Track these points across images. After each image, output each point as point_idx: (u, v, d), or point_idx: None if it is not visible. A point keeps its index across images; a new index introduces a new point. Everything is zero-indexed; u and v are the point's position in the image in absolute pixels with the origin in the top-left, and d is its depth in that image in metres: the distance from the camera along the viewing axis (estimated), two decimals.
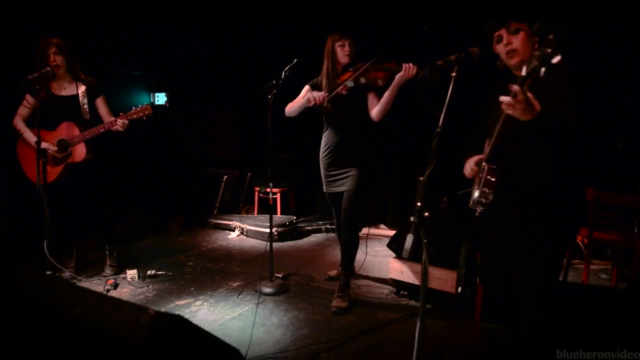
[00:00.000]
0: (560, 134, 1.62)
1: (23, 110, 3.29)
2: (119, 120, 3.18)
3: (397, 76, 2.80)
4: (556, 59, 1.34)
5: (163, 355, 1.12)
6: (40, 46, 3.15)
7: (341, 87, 2.93)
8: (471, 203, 1.88)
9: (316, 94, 2.88)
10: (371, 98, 3.00)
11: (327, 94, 2.92)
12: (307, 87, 3.13)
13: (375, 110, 2.96)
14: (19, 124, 3.28)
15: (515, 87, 1.47)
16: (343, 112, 3.01)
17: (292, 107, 3.08)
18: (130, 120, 3.22)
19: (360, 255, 3.36)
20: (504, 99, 1.51)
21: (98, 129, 3.20)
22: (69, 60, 3.24)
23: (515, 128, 1.74)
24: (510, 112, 1.53)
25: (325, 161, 3.13)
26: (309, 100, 2.88)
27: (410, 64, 2.74)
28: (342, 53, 2.97)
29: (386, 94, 2.89)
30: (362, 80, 2.91)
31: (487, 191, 1.78)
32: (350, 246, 3.07)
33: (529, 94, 1.48)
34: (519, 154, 1.80)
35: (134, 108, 3.20)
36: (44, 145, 3.10)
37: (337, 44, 2.97)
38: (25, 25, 3.74)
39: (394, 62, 2.88)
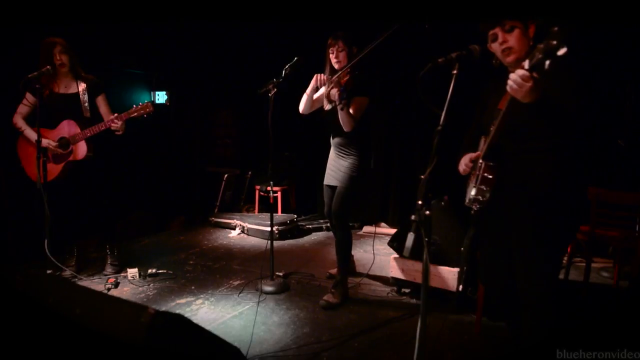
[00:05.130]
0: (559, 124, 1.61)
1: (23, 109, 3.29)
2: (117, 120, 3.18)
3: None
4: (562, 51, 1.32)
5: (163, 354, 1.12)
6: (44, 45, 3.15)
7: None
8: (467, 201, 1.87)
9: (320, 75, 2.89)
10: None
11: (329, 76, 2.89)
12: None
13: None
14: (19, 121, 3.28)
15: (524, 72, 1.45)
16: (334, 115, 2.94)
17: (302, 101, 3.08)
18: (131, 119, 3.22)
19: (365, 255, 3.36)
20: (512, 76, 1.49)
21: (99, 127, 3.20)
22: (73, 59, 3.25)
23: (514, 125, 1.73)
24: (514, 93, 1.53)
25: (330, 155, 3.19)
26: (314, 81, 2.91)
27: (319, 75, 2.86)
28: (333, 59, 2.95)
29: None
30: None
31: (485, 189, 1.77)
32: (341, 244, 3.07)
33: (536, 75, 1.47)
34: (516, 151, 1.79)
35: (134, 106, 3.21)
36: (44, 142, 3.09)
37: (329, 50, 2.96)
38: (25, 24, 3.74)
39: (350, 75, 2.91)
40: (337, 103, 2.73)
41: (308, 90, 3.06)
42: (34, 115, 3.15)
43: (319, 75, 2.92)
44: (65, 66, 3.21)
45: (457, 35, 2.74)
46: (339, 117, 2.82)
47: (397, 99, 4.68)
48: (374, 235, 4.35)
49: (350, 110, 2.83)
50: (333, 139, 3.11)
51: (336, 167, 3.07)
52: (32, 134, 3.19)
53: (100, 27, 4.47)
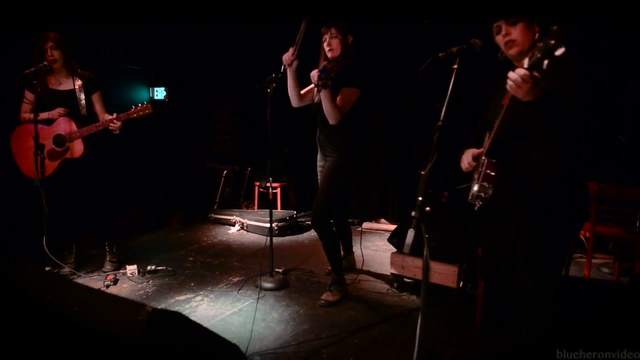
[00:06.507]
0: (561, 122, 1.60)
1: (25, 107, 3.30)
2: (116, 120, 3.14)
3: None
4: (559, 52, 1.31)
5: (161, 352, 1.11)
6: (37, 40, 3.13)
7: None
8: (470, 197, 1.86)
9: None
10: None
11: (294, 53, 2.75)
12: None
13: None
14: (26, 116, 3.29)
15: (524, 71, 1.44)
16: (320, 107, 2.85)
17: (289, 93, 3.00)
18: (130, 119, 3.18)
19: (364, 251, 3.35)
20: (511, 75, 1.47)
21: (97, 126, 3.17)
22: (66, 54, 3.22)
23: (516, 121, 1.72)
24: (514, 92, 1.51)
25: (318, 156, 3.15)
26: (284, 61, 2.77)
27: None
28: (326, 47, 2.85)
29: None
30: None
31: (487, 185, 1.76)
32: (327, 245, 3.01)
33: (536, 74, 1.45)
34: (519, 148, 1.78)
35: (133, 107, 3.13)
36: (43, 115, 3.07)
37: (323, 38, 2.86)
38: (24, 21, 3.71)
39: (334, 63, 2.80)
40: (315, 84, 2.58)
41: (288, 81, 2.93)
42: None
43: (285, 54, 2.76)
44: (57, 62, 3.18)
45: (458, 30, 2.72)
46: (323, 106, 2.69)
47: (397, 99, 4.66)
48: (362, 232, 4.38)
49: (338, 101, 2.70)
50: (318, 136, 3.04)
51: (321, 171, 3.04)
52: (42, 115, 3.18)
53: (99, 24, 4.44)
